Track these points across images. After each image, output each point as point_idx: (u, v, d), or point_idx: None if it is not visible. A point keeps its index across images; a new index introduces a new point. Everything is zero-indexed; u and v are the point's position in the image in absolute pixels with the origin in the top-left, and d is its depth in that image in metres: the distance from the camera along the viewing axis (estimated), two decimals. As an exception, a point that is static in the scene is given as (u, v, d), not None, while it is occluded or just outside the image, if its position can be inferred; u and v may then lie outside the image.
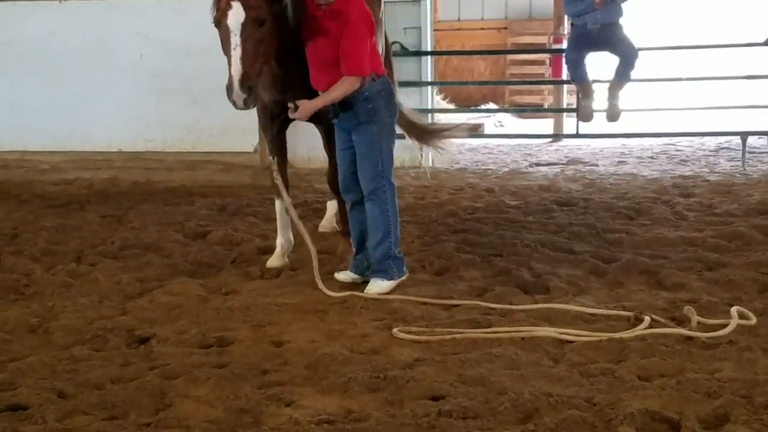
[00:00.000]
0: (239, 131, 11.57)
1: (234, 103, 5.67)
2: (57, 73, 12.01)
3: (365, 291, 5.94)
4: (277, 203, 6.76)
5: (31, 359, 4.64)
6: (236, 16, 5.64)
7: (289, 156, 6.91)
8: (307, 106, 5.97)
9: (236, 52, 5.61)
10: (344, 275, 6.22)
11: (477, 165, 12.87)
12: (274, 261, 6.69)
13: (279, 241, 6.76)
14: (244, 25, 5.64)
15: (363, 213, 6.16)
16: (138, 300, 5.86)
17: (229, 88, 5.63)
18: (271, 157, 6.49)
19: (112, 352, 4.82)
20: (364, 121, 5.97)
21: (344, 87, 5.85)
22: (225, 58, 5.74)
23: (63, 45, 11.97)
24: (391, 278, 6.04)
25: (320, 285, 5.99)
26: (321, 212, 8.30)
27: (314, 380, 4.34)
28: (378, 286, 5.98)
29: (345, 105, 5.92)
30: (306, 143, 10.26)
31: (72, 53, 11.95)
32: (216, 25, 5.75)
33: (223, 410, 3.97)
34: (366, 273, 6.16)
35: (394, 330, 5.04)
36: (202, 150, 11.91)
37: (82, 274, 6.50)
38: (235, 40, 5.63)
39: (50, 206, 9.44)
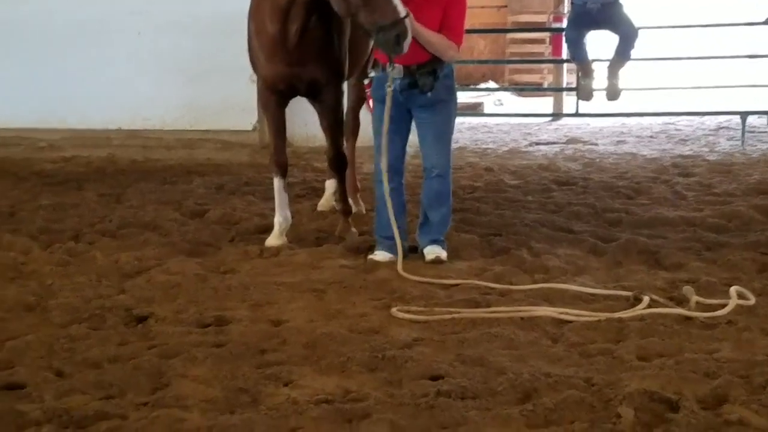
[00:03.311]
0: (237, 110, 11.55)
1: (402, 50, 5.56)
2: (55, 51, 11.96)
3: (428, 256, 6.10)
4: (276, 181, 6.71)
5: (29, 338, 4.61)
6: None
7: (288, 134, 6.86)
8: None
9: None
10: (381, 255, 6.16)
11: (476, 144, 12.85)
12: (272, 240, 6.66)
13: (277, 219, 6.72)
14: None
15: (403, 195, 6.25)
16: (136, 279, 5.83)
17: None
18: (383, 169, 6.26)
19: (109, 331, 4.79)
20: (444, 98, 6.07)
21: (442, 43, 5.90)
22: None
23: (61, 23, 11.90)
24: (446, 250, 6.18)
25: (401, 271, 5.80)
26: (320, 191, 8.28)
27: (312, 360, 4.32)
28: (441, 252, 6.12)
29: (436, 78, 5.96)
30: (304, 121, 10.24)
31: (70, 31, 11.89)
32: None
33: (220, 390, 3.96)
34: (403, 251, 6.02)
35: (393, 309, 5.01)
36: (201, 128, 11.88)
37: (80, 253, 6.46)
38: None
39: (48, 184, 9.41)
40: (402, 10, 5.51)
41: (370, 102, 6.68)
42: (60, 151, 11.59)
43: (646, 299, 5.04)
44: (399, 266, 5.83)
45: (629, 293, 5.20)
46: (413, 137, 6.32)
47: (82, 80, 11.90)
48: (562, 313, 4.95)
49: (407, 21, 5.52)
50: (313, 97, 6.65)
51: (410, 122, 6.21)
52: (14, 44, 12.08)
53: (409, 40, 5.55)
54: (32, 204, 8.24)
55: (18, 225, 7.31)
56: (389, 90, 5.87)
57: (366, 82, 7.78)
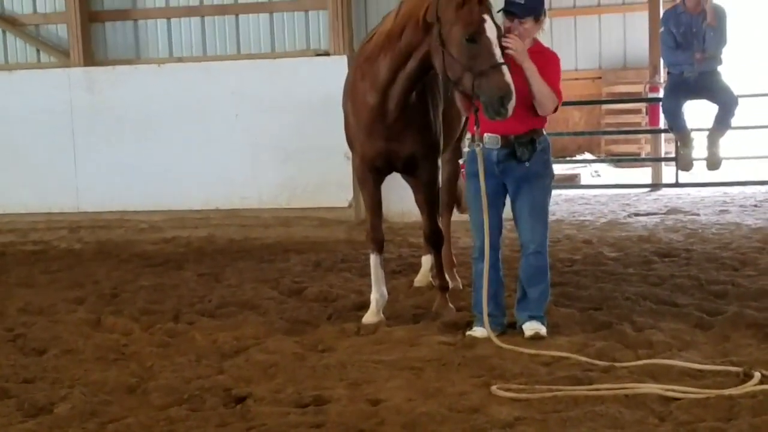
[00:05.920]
0: (333, 187, 11.67)
1: (507, 112, 5.55)
2: (155, 134, 12.27)
3: (527, 332, 5.98)
4: (372, 257, 6.71)
5: (130, 420, 4.65)
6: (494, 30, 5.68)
7: (383, 210, 6.86)
8: (521, 45, 5.80)
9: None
10: (480, 331, 6.06)
11: (574, 216, 12.68)
12: (369, 317, 6.62)
13: (374, 296, 6.70)
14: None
15: (500, 270, 6.17)
16: (234, 359, 5.85)
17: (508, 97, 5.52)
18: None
19: (209, 412, 4.80)
20: (541, 172, 6.03)
21: (550, 93, 5.83)
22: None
23: (161, 107, 12.23)
24: (545, 326, 6.07)
25: (495, 341, 5.82)
26: (416, 267, 8.24)
27: (412, 440, 4.25)
28: (541, 328, 6.01)
29: (535, 148, 5.92)
30: (399, 197, 10.24)
31: (169, 114, 12.21)
32: (472, 41, 5.60)
33: (319, 472, 3.91)
34: (502, 328, 6.09)
35: (493, 387, 4.91)
36: (297, 206, 12.00)
37: (179, 333, 6.53)
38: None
39: (149, 265, 9.59)
40: (500, 57, 5.55)
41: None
42: (160, 232, 11.82)
43: (757, 375, 4.84)
44: (494, 340, 5.79)
45: (739, 369, 5.00)
46: (508, 210, 6.25)
47: (180, 162, 12.17)
48: (668, 390, 4.77)
49: (511, 85, 5.52)
50: (410, 172, 6.67)
51: (505, 196, 6.14)
52: (114, 128, 12.40)
53: (513, 103, 5.52)
54: (133, 285, 8.39)
55: (120, 306, 7.44)
56: (478, 150, 5.86)
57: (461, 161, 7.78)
